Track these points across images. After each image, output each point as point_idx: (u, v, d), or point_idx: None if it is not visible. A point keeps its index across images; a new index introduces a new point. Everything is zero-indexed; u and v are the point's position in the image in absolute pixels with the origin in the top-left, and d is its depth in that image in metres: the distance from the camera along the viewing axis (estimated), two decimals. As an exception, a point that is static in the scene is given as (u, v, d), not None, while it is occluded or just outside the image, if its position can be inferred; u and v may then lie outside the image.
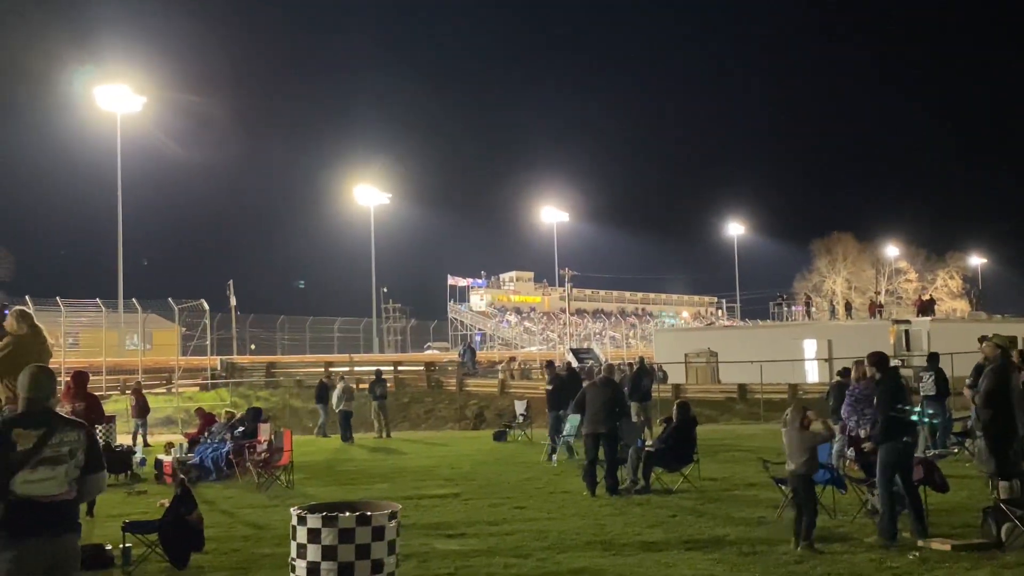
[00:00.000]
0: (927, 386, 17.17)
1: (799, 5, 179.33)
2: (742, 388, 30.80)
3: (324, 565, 5.82)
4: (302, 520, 5.96)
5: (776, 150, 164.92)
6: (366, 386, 27.57)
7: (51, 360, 9.55)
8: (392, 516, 6.06)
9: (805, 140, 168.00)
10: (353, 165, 73.07)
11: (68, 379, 13.52)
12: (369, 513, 5.97)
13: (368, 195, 69.49)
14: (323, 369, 36.43)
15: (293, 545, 6.01)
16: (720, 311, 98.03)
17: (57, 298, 36.63)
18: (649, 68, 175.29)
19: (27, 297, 38.38)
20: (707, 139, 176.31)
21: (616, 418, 13.44)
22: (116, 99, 50.84)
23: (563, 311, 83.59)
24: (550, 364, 21.51)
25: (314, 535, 5.88)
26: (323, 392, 26.31)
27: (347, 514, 5.93)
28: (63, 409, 12.05)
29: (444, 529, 10.62)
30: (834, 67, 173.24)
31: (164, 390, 37.09)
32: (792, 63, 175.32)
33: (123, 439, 22.22)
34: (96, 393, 33.53)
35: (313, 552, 5.86)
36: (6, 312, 9.04)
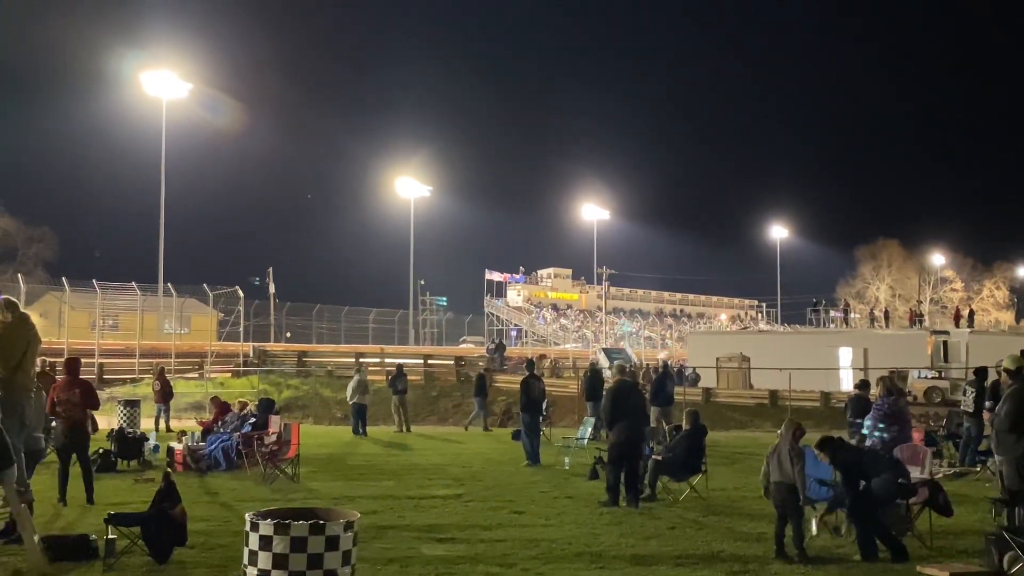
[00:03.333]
0: (967, 401, 16.73)
1: (845, 6, 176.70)
2: (773, 394, 30.36)
3: (275, 573, 5.68)
4: (254, 526, 5.82)
5: (823, 153, 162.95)
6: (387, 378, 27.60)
7: (41, 346, 9.57)
8: (348, 526, 5.91)
9: (853, 143, 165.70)
10: (395, 157, 73.23)
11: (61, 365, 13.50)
12: (323, 522, 5.82)
13: (409, 187, 69.57)
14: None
15: (245, 551, 5.87)
16: (759, 314, 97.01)
17: (93, 281, 37.11)
18: (695, 66, 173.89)
19: (64, 279, 39.05)
20: (753, 140, 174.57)
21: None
22: (162, 85, 51.35)
23: (600, 309, 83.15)
24: (530, 363, 21.23)
25: (265, 542, 5.74)
26: (482, 385, 27.37)
27: (300, 522, 5.77)
28: (58, 397, 12.09)
29: (436, 532, 10.46)
30: (888, 70, 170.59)
31: (196, 375, 37.35)
32: (843, 65, 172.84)
33: (147, 423, 22.43)
34: (127, 376, 34.21)
35: (264, 560, 5.73)
36: (-2, 301, 9.04)
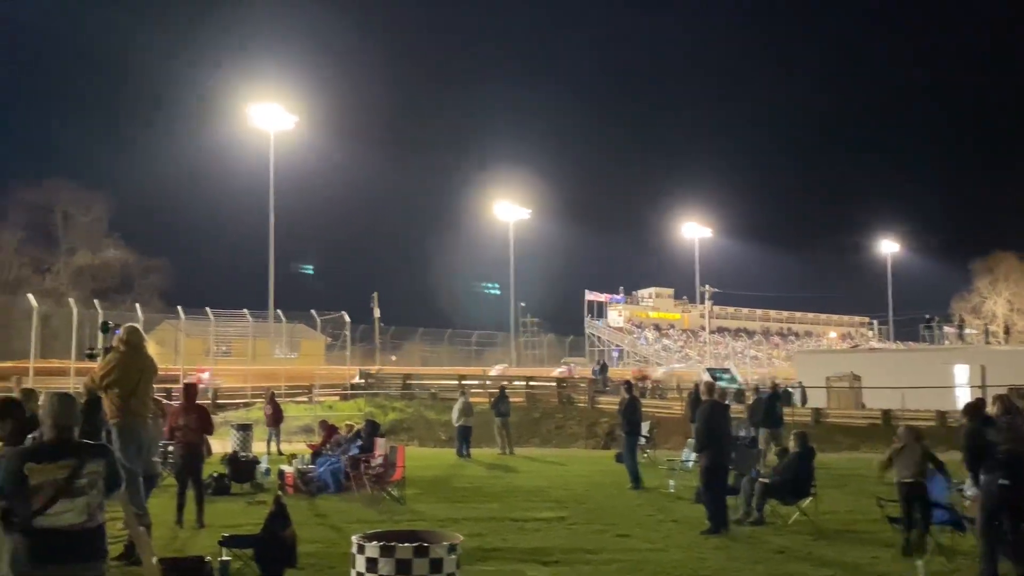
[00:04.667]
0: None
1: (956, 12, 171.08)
2: (886, 414, 29.42)
3: (381, 595, 5.77)
4: (361, 549, 5.93)
5: (935, 164, 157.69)
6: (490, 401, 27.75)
7: (157, 374, 9.95)
8: (452, 549, 5.96)
9: (965, 155, 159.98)
10: (494, 181, 73.83)
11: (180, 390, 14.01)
12: (427, 544, 5.89)
13: (508, 210, 70.09)
14: (456, 382, 36.80)
15: (352, 573, 5.98)
16: (870, 332, 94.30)
17: (207, 309, 38.35)
18: (800, 80, 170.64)
19: (179, 308, 40.53)
20: (862, 155, 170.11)
21: None
22: (269, 118, 53.06)
23: (703, 328, 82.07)
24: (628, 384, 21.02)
25: (372, 564, 5.84)
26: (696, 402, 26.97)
27: (405, 545, 5.85)
28: (174, 422, 12.54)
29: (541, 555, 10.45)
30: (1003, 74, 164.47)
31: (306, 399, 38.20)
32: (943, 73, 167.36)
33: (258, 447, 23.03)
34: (240, 401, 35.16)
35: (371, 582, 5.81)
36: (117, 331, 9.44)
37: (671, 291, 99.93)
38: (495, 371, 46.14)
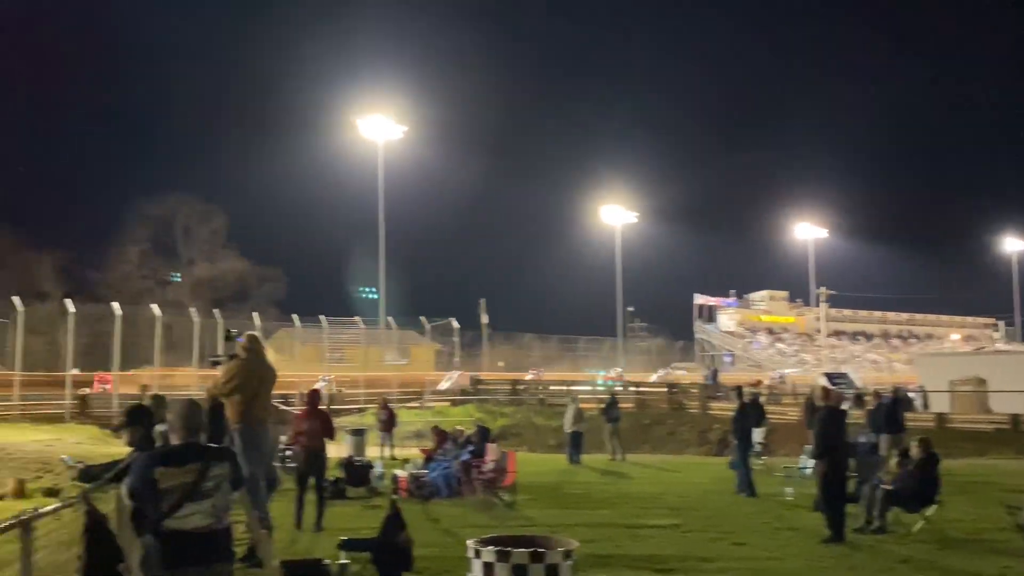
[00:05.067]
0: None
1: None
2: (1015, 419, 28.19)
3: (497, 600, 5.79)
4: (477, 553, 5.96)
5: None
6: (600, 407, 27.61)
7: (277, 380, 10.22)
8: (567, 555, 5.94)
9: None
10: (600, 185, 73.59)
11: (305, 395, 14.35)
12: (543, 550, 5.88)
13: (615, 214, 69.76)
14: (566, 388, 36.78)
15: (469, 578, 6.03)
16: (996, 333, 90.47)
17: (320, 316, 39.32)
18: (922, 71, 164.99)
19: (295, 316, 41.68)
20: (986, 149, 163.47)
21: None
22: (378, 129, 54.08)
23: (818, 332, 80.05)
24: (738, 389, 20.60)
25: (488, 569, 5.86)
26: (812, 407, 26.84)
27: (521, 550, 5.86)
28: (298, 427, 12.87)
29: (655, 563, 10.32)
30: None
31: (417, 404, 38.76)
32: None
33: (371, 451, 23.44)
34: (354, 406, 35.87)
35: (487, 586, 5.84)
36: (239, 339, 9.73)
37: (785, 294, 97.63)
38: (613, 374, 45.95)
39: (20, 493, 17.11)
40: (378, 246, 53.74)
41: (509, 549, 5.88)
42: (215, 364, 9.95)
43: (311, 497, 12.97)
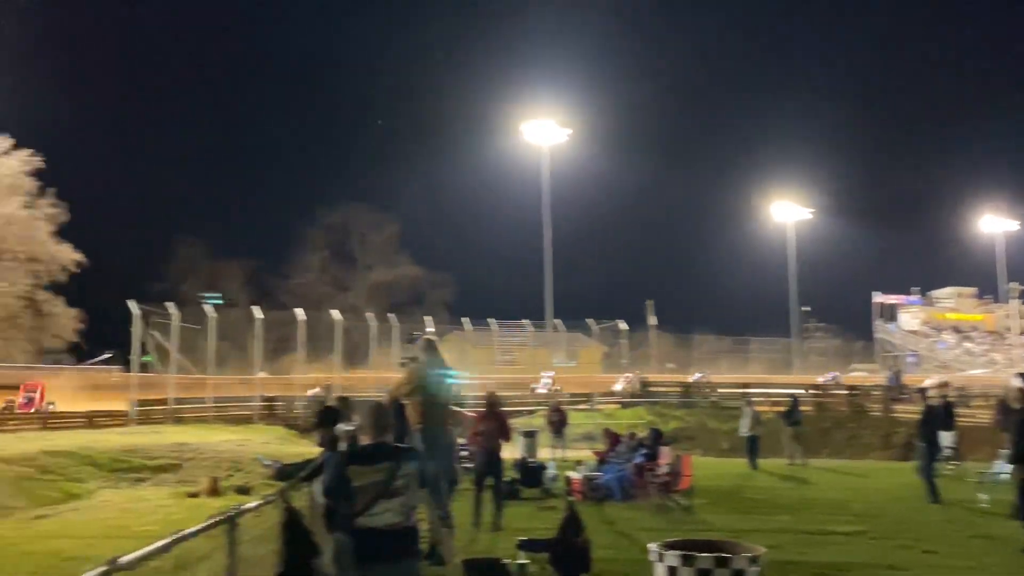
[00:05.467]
0: None
1: None
2: None
3: (681, 604, 5.71)
4: (660, 557, 5.90)
5: None
6: (779, 410, 26.89)
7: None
8: (754, 560, 5.79)
9: None
10: (771, 181, 71.55)
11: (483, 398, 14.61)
12: (728, 555, 5.76)
13: (787, 211, 67.86)
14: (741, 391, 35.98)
15: (652, 582, 5.97)
16: None
17: (488, 320, 39.97)
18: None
19: (466, 319, 42.54)
20: None
21: None
22: (542, 133, 54.60)
23: (1008, 330, 75.33)
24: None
25: (671, 573, 5.79)
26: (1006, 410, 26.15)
27: (705, 555, 5.76)
28: (476, 428, 13.12)
29: (842, 570, 9.97)
30: None
31: (586, 406, 38.80)
32: None
33: (543, 453, 23.60)
34: (524, 408, 36.25)
35: (671, 590, 5.77)
36: (417, 342, 10.01)
37: (973, 290, 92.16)
38: (824, 379, 44.78)
39: (214, 491, 18.18)
40: (545, 250, 54.30)
41: (693, 553, 5.79)
42: (404, 366, 10.27)
43: (486, 497, 13.18)
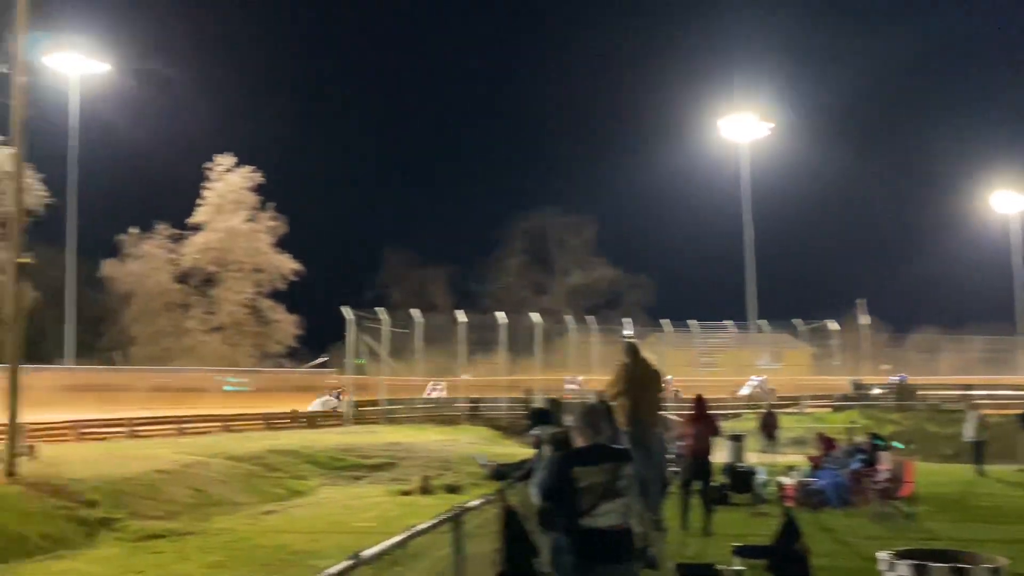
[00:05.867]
0: None
1: None
2: None
3: (916, 617, 5.41)
4: (891, 566, 5.62)
5: None
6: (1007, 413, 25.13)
7: (663, 384, 10.34)
8: (995, 572, 5.42)
9: None
10: (990, 170, 66.86)
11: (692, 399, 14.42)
12: (966, 566, 5.41)
13: (1008, 201, 63.34)
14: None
15: (883, 591, 5.69)
16: None
17: (688, 322, 39.38)
18: None
19: (666, 321, 42.09)
20: None
21: None
22: (742, 128, 53.36)
23: None
24: None
25: (904, 584, 5.50)
26: None
27: (939, 565, 5.44)
28: (687, 430, 12.97)
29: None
30: None
31: (794, 409, 37.56)
32: None
33: (751, 457, 23.00)
34: (729, 411, 35.56)
35: (907, 602, 5.48)
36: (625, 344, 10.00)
37: None
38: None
39: (425, 489, 18.78)
40: (744, 248, 53.05)
41: (928, 563, 5.48)
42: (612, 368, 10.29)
43: (695, 501, 12.99)
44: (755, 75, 67.41)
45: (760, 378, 39.90)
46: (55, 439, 22.57)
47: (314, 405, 34.69)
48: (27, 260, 17.32)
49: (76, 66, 45.20)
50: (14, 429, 16.00)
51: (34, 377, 24.85)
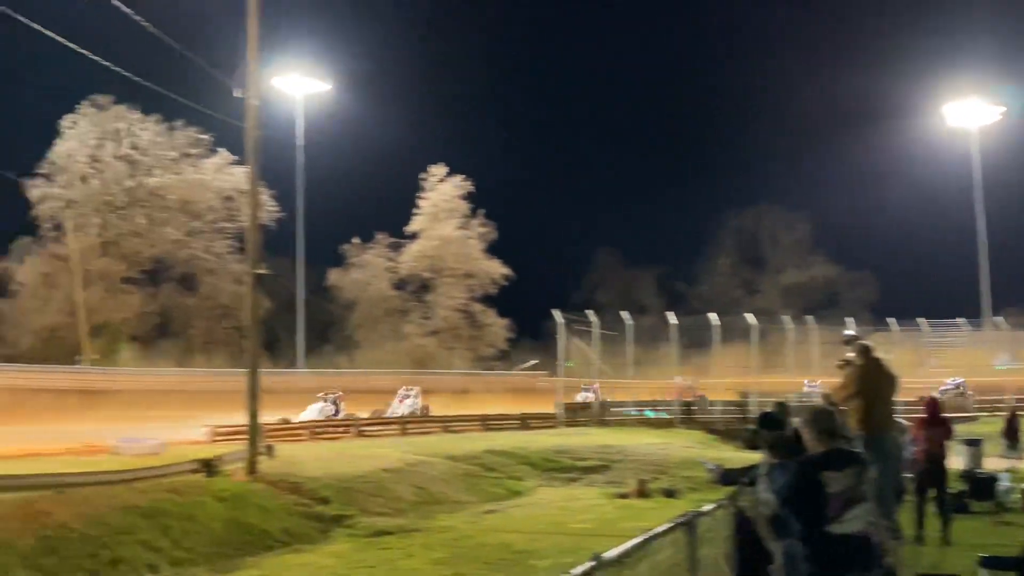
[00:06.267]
0: None
1: None
2: None
3: None
4: None
5: None
6: None
7: (900, 385, 9.83)
8: None
9: None
10: None
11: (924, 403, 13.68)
12: None
13: None
14: None
15: None
16: None
17: (917, 320, 37.28)
18: None
19: (888, 320, 40.01)
20: None
21: None
22: (970, 114, 50.11)
23: None
24: None
25: None
26: None
27: None
28: (920, 434, 12.29)
29: None
30: None
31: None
32: None
33: (990, 463, 21.48)
34: (962, 414, 33.45)
35: None
36: (852, 344, 9.57)
37: None
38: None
39: (642, 492, 18.68)
40: (977, 240, 49.79)
41: None
42: (842, 369, 9.90)
43: (930, 508, 12.29)
44: (981, 57, 63.00)
45: (958, 380, 37.13)
46: (291, 439, 24.06)
47: (309, 413, 30.55)
48: (262, 271, 18.45)
49: (300, 86, 48.01)
50: (255, 430, 17.11)
51: (275, 381, 26.54)
